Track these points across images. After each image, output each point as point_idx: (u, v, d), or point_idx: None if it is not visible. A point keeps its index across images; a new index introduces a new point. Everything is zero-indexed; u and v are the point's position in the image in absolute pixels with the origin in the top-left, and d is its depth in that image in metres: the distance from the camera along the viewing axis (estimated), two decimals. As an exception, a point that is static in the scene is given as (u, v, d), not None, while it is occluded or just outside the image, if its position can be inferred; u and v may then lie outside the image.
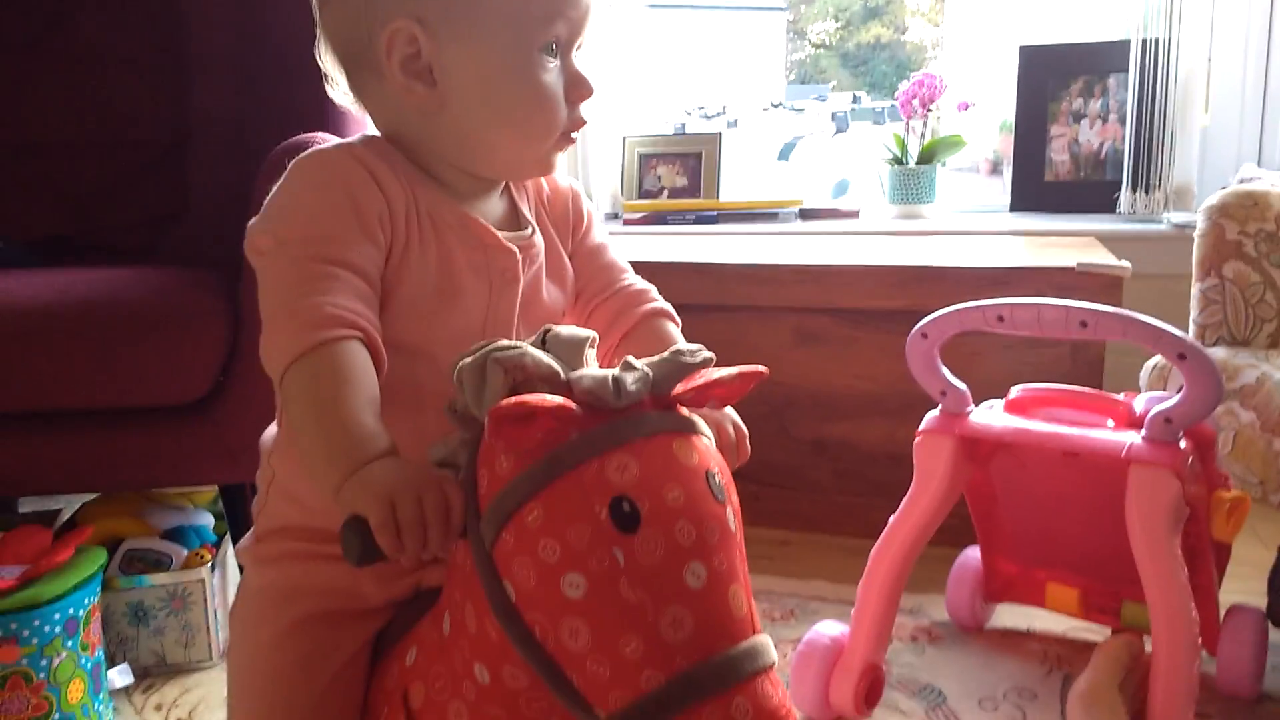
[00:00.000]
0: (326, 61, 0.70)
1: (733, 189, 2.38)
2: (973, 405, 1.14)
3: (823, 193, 2.57)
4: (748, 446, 0.68)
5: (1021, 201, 2.12)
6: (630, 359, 0.52)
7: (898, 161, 2.17)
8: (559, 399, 0.48)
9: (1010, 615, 1.35)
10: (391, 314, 0.65)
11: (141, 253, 1.55)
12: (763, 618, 1.37)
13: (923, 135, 2.16)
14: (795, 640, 1.26)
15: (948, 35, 3.38)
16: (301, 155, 0.66)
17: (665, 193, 2.35)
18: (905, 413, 1.57)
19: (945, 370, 1.12)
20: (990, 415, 1.12)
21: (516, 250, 0.70)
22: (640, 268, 1.39)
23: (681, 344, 0.53)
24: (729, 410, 0.68)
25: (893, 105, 2.27)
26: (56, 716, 1.05)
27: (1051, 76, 2.08)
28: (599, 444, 0.49)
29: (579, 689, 0.49)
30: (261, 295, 0.62)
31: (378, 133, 0.71)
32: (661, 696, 0.46)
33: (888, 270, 1.60)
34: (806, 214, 2.24)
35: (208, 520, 1.38)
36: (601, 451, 0.49)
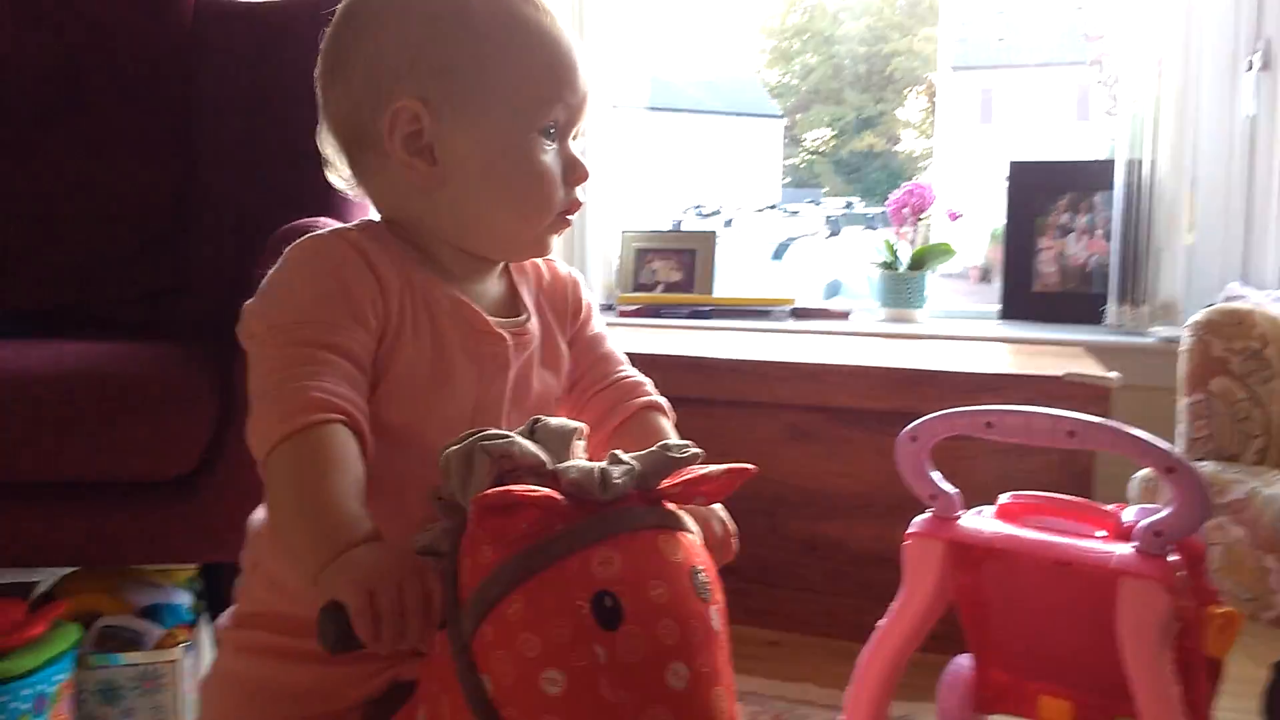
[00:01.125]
0: (327, 145, 0.72)
1: (727, 285, 2.41)
2: (963, 510, 1.13)
3: (815, 292, 2.61)
4: (735, 544, 0.67)
5: (1011, 310, 2.15)
6: (617, 452, 0.53)
7: (888, 266, 2.21)
8: (544, 490, 0.48)
9: (1001, 728, 1.32)
10: (383, 395, 0.65)
11: (140, 327, 1.56)
12: (748, 722, 1.35)
13: (913, 242, 2.20)
14: (780, 746, 1.23)
15: (939, 146, 3.48)
16: (297, 241, 0.67)
17: (660, 286, 2.38)
18: (895, 513, 1.56)
19: (935, 474, 1.12)
20: (980, 521, 1.12)
21: (507, 336, 0.70)
22: (632, 360, 1.40)
23: (671, 439, 0.54)
24: (716, 507, 0.68)
25: (884, 211, 2.33)
26: (16, 800, 1.01)
27: (1040, 191, 2.13)
28: (583, 537, 0.49)
29: None
30: (250, 378, 0.62)
31: (377, 217, 0.72)
32: None
33: (880, 371, 1.61)
34: (798, 313, 2.27)
35: (185, 599, 1.35)
36: (585, 545, 0.49)
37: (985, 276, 2.62)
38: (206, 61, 1.68)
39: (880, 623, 1.10)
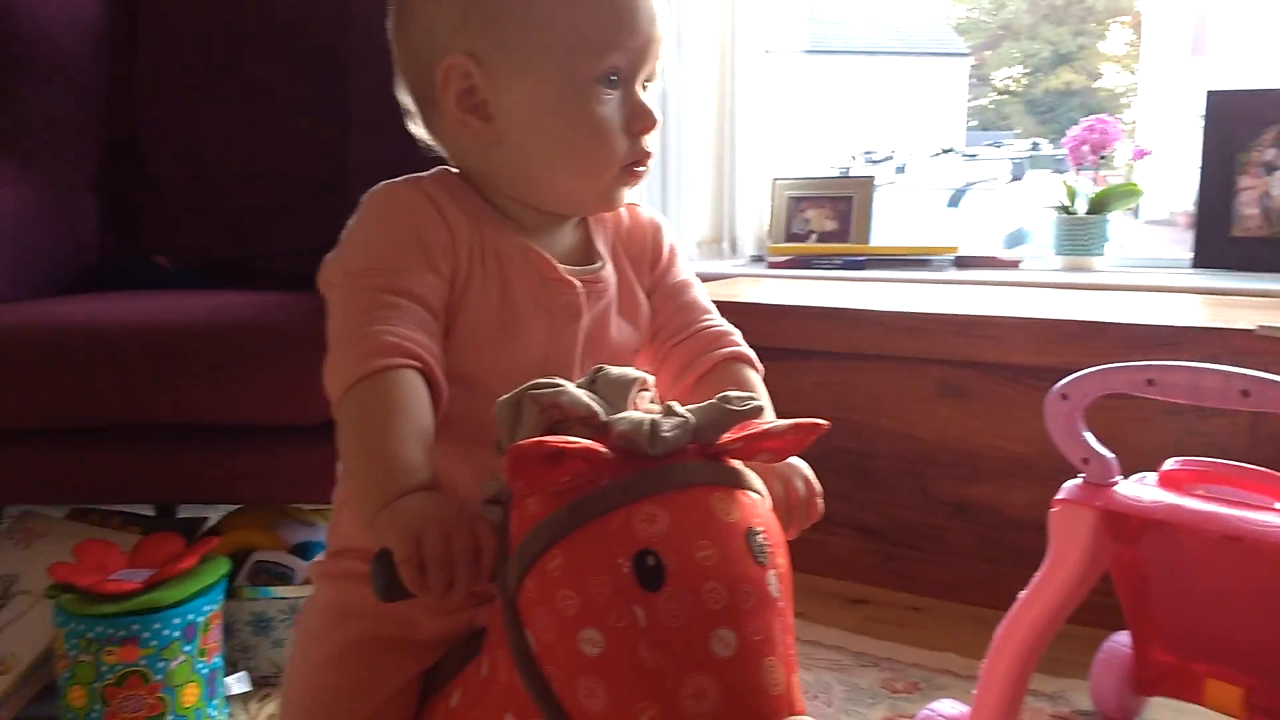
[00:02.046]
0: (403, 97, 0.72)
1: (894, 234, 2.30)
2: (1120, 476, 1.03)
3: (994, 241, 2.46)
4: (819, 505, 0.63)
5: (1204, 257, 1.94)
6: (673, 404, 0.49)
7: (1065, 210, 2.04)
8: (586, 441, 0.45)
9: (1164, 710, 1.22)
10: (454, 345, 0.65)
11: (298, 280, 1.63)
12: (883, 689, 1.29)
13: (1096, 183, 2.02)
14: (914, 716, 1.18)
15: (1143, 81, 3.18)
16: (372, 190, 0.67)
17: (814, 236, 2.29)
18: (1057, 478, 1.44)
19: (1089, 436, 1.03)
20: (1140, 489, 1.02)
21: (578, 284, 0.68)
22: (779, 311, 1.36)
23: (732, 391, 0.50)
24: (800, 464, 0.63)
25: (1071, 155, 2.15)
26: (170, 717, 1.09)
27: (1242, 124, 1.91)
28: (628, 492, 0.46)
29: None
30: (329, 324, 0.63)
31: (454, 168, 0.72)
32: None
33: (1043, 323, 1.49)
34: (962, 262, 2.14)
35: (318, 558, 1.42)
36: (630, 500, 0.46)
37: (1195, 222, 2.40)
38: (359, 17, 1.72)
39: (1021, 594, 1.03)
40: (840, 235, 2.27)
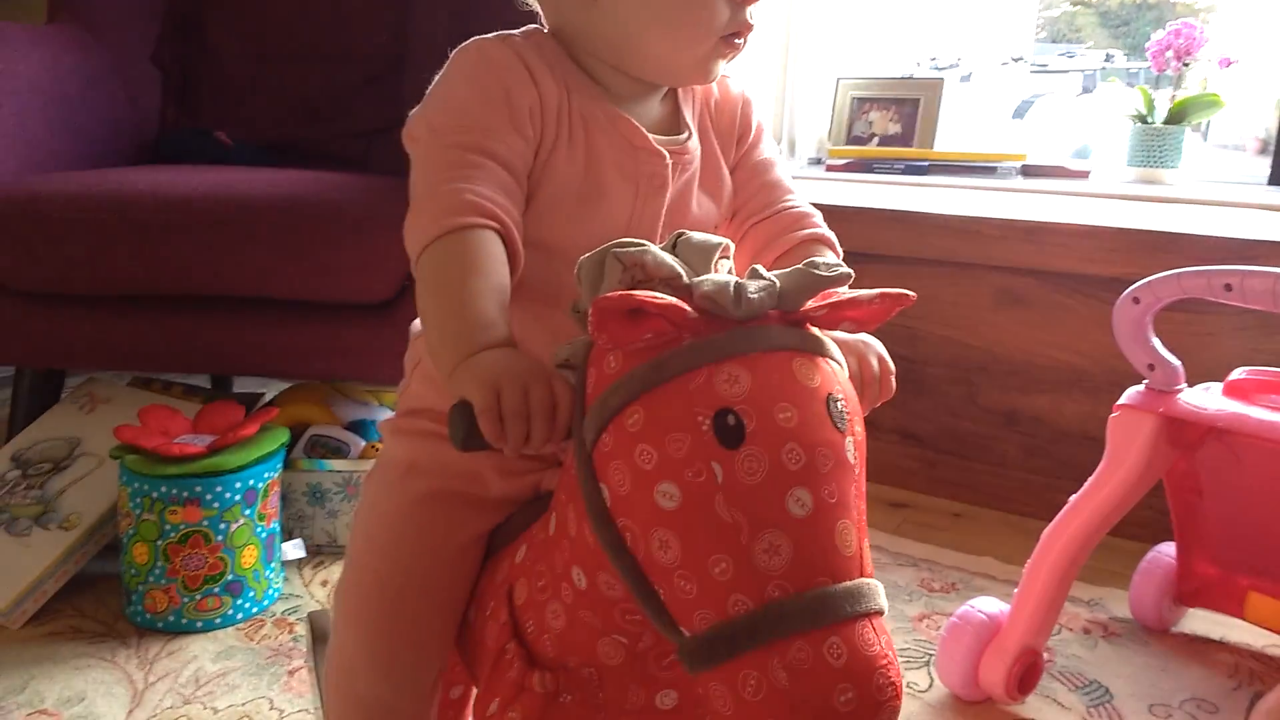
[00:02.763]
0: None
1: (957, 142, 2.24)
2: (1184, 384, 1.02)
3: (1060, 156, 2.38)
4: (893, 383, 0.62)
5: (1283, 173, 1.87)
6: (758, 268, 0.48)
7: (1142, 120, 1.97)
8: (671, 299, 0.45)
9: (1201, 622, 1.22)
10: (536, 211, 0.64)
11: (358, 162, 1.63)
12: (921, 588, 1.31)
13: (1175, 93, 1.94)
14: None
15: (1225, -6, 3.03)
16: (462, 45, 0.65)
17: (875, 139, 2.24)
18: (1112, 391, 1.42)
19: (1157, 342, 1.01)
20: (1204, 397, 1.00)
21: (666, 154, 0.67)
22: (834, 212, 1.31)
23: (819, 258, 0.49)
24: (875, 342, 0.62)
25: (1148, 67, 2.06)
26: (230, 576, 1.13)
27: (1337, 32, 1.82)
28: (711, 352, 0.46)
29: (665, 604, 0.46)
30: (411, 181, 0.62)
31: (544, 27, 0.69)
32: (749, 624, 0.43)
33: (1110, 232, 1.46)
34: (1029, 170, 2.08)
35: (389, 416, 1.45)
36: (713, 360, 0.45)
37: (1267, 149, 2.29)
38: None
39: (1073, 497, 1.02)
40: (904, 139, 2.21)
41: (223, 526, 1.11)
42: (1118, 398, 1.04)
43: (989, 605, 1.04)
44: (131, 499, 1.11)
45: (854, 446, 0.47)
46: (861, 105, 2.27)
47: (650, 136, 0.66)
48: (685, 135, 0.69)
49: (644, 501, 0.45)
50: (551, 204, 0.64)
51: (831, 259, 0.50)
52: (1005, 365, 1.56)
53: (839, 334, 0.53)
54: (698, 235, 0.51)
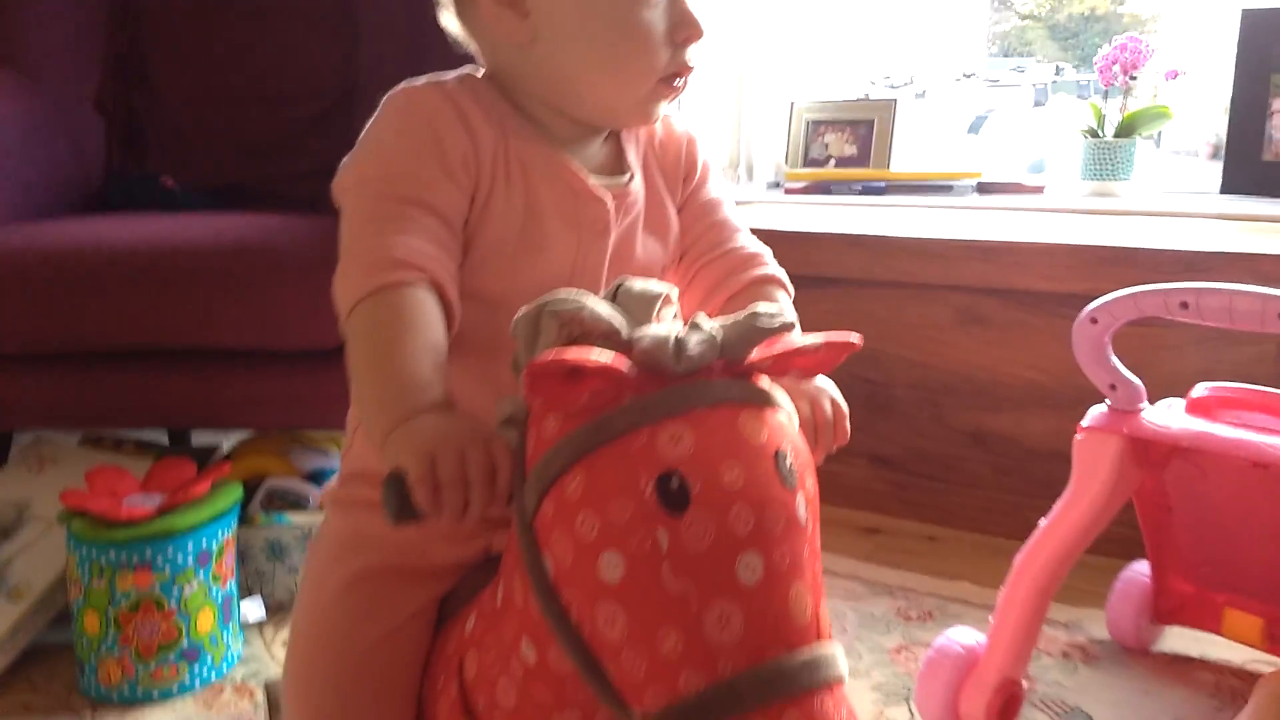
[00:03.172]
0: None
1: (913, 161, 2.24)
2: (1146, 403, 1.01)
3: (1015, 170, 2.40)
4: (847, 427, 0.61)
5: (1234, 183, 1.89)
6: (699, 318, 0.47)
7: (1093, 134, 1.98)
8: (607, 356, 0.43)
9: (1180, 639, 1.21)
10: (474, 261, 0.62)
11: (307, 203, 1.59)
12: (898, 617, 1.29)
13: (1124, 106, 1.96)
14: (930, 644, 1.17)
15: (1171, 5, 3.07)
16: (393, 91, 0.63)
17: (832, 161, 2.24)
18: (1078, 407, 1.41)
19: (1116, 361, 1.00)
20: (1166, 415, 0.99)
21: (607, 198, 0.65)
22: (794, 238, 1.31)
23: (761, 306, 0.47)
24: (828, 385, 0.61)
25: (1098, 80, 2.08)
26: (185, 643, 1.09)
27: (1276, 43, 1.84)
28: (653, 411, 0.44)
29: (614, 682, 0.44)
30: (341, 233, 0.60)
31: (481, 67, 0.68)
32: (702, 703, 0.41)
33: (1067, 249, 1.46)
34: (985, 188, 2.08)
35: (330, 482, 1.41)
36: (654, 420, 0.43)
37: (1219, 153, 2.32)
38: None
39: (1043, 521, 1.01)
40: (860, 160, 2.22)
41: (176, 591, 1.07)
42: (1082, 413, 1.04)
43: (965, 636, 1.03)
44: (79, 566, 1.07)
45: (805, 503, 0.45)
46: (816, 128, 2.28)
47: (591, 180, 0.65)
48: (628, 177, 0.68)
49: (588, 574, 0.43)
50: (490, 253, 0.62)
51: (776, 306, 0.48)
52: (970, 385, 1.55)
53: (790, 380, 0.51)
54: (639, 283, 0.49)
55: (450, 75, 0.65)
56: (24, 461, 1.30)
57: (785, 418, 0.47)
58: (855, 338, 0.47)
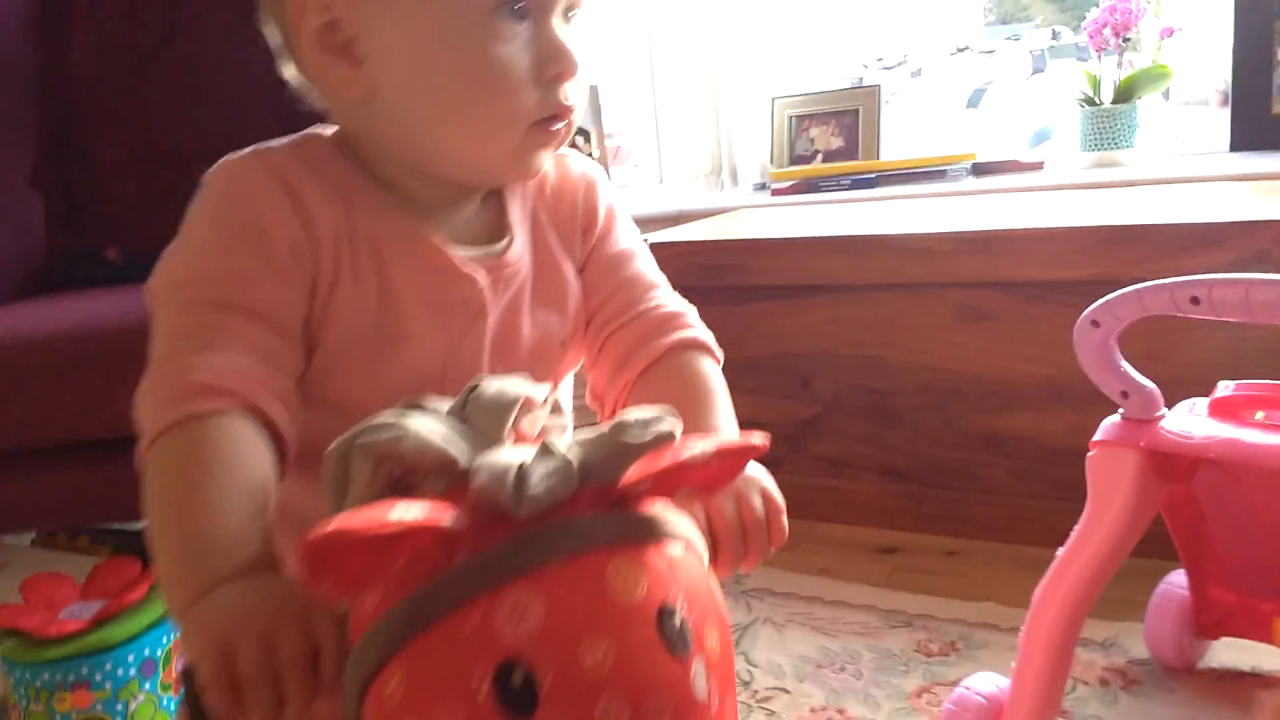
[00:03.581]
0: (269, 31, 0.58)
1: (907, 145, 2.14)
2: (1165, 409, 0.90)
3: (1019, 142, 2.29)
4: (784, 525, 0.50)
5: (1244, 139, 1.77)
6: (550, 441, 0.37)
7: (1090, 102, 1.87)
8: (417, 510, 0.33)
9: (1230, 651, 1.10)
10: (322, 364, 0.52)
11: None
12: (918, 653, 1.18)
13: (1120, 69, 1.84)
14: (955, 683, 1.07)
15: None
16: (213, 169, 0.54)
17: (819, 156, 2.14)
18: (1096, 401, 1.31)
19: (1127, 366, 0.90)
20: (1188, 421, 0.89)
21: (479, 276, 0.55)
22: (780, 245, 1.16)
23: (632, 413, 0.37)
24: (758, 475, 0.51)
25: (1093, 44, 1.96)
26: (139, 760, 1.01)
27: (1279, -15, 1.72)
28: (491, 573, 0.34)
29: None
30: (150, 346, 0.51)
31: (329, 127, 0.58)
32: None
33: (1070, 232, 1.35)
34: (981, 169, 1.98)
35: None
36: (492, 585, 0.34)
37: (1229, 99, 2.20)
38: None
39: (1059, 551, 0.91)
40: (848, 153, 2.12)
41: (119, 707, 0.99)
42: (1103, 407, 0.93)
43: (986, 684, 0.92)
44: (15, 689, 0.99)
45: (706, 672, 0.35)
46: (800, 123, 2.17)
47: (456, 254, 0.55)
48: (505, 242, 0.58)
49: None
50: (340, 354, 0.53)
51: (652, 410, 0.38)
52: (979, 386, 1.45)
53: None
54: (492, 388, 0.39)
55: (282, 142, 0.56)
56: (-28, 568, 1.23)
57: (678, 551, 0.37)
58: (758, 439, 0.38)
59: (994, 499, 1.45)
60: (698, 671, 0.34)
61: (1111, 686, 1.08)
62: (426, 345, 0.55)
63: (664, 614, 0.35)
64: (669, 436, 0.37)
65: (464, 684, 0.32)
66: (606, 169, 2.17)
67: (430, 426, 0.36)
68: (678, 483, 0.37)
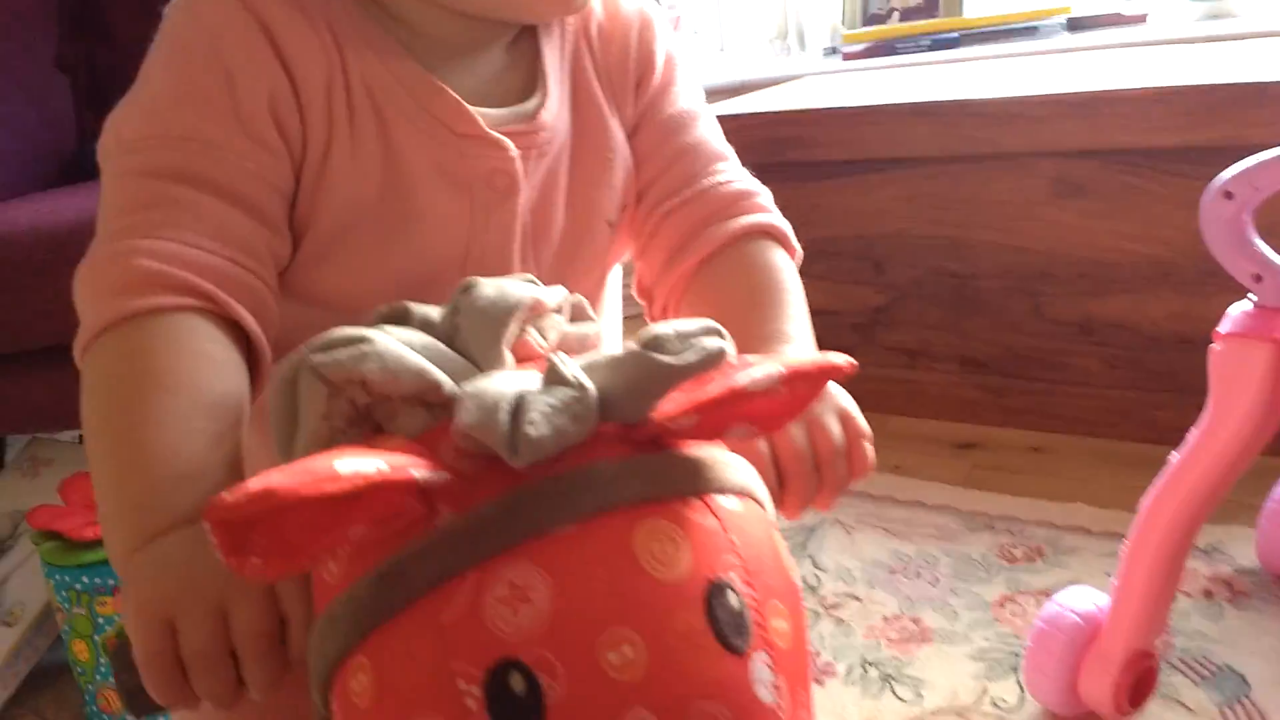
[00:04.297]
0: None
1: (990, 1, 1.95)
2: (1306, 294, 0.78)
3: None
4: (867, 453, 0.41)
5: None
6: (559, 358, 0.28)
7: (1203, -57, 1.66)
8: (375, 464, 0.24)
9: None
10: (311, 253, 0.43)
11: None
12: (1000, 558, 1.10)
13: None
14: (1042, 592, 0.99)
15: None
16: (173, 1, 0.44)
17: (895, 15, 1.96)
18: (1205, 283, 1.19)
19: (1262, 245, 0.77)
20: (1335, 308, 0.76)
21: (507, 142, 0.45)
22: (847, 115, 1.02)
23: (664, 326, 0.28)
24: (834, 393, 0.41)
25: None
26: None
27: None
28: (478, 542, 0.25)
29: None
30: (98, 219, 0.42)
31: None
32: None
33: (1182, 92, 1.19)
34: (1076, 24, 1.79)
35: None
36: (480, 558, 0.25)
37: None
38: None
39: (1173, 456, 0.80)
40: (928, 10, 1.93)
41: (159, 613, 0.96)
42: (1212, 291, 0.81)
43: (1082, 600, 0.84)
44: (57, 592, 0.96)
45: (772, 667, 0.26)
46: (875, -22, 1.99)
47: (480, 115, 0.45)
48: (538, 100, 0.47)
49: None
50: (335, 238, 0.44)
51: (697, 323, 0.29)
52: (1072, 268, 1.32)
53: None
54: (489, 289, 0.30)
55: None
56: (18, 465, 1.20)
57: (732, 505, 0.28)
58: (838, 359, 0.28)
59: (1085, 390, 1.34)
60: (760, 668, 0.26)
61: (1217, 599, 0.98)
62: (444, 229, 0.45)
63: (714, 593, 0.26)
64: (719, 355, 0.27)
65: (444, 688, 0.24)
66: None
67: (406, 341, 0.28)
68: (731, 418, 0.28)
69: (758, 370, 0.27)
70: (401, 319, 0.31)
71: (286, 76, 0.43)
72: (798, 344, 0.45)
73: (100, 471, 0.38)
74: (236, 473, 0.37)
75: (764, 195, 0.51)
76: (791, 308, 0.47)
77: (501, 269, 0.46)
